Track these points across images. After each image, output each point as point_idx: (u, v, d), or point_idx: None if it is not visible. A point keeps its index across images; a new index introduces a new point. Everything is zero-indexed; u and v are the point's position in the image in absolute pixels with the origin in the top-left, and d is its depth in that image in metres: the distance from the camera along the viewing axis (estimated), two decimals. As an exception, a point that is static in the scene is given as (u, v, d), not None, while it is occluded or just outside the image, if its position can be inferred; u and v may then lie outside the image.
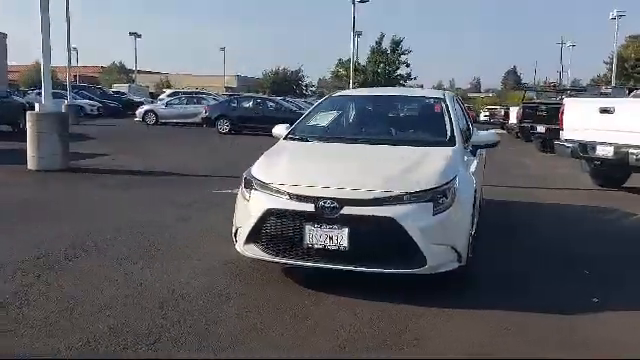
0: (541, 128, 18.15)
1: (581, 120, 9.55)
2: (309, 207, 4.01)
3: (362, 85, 39.37)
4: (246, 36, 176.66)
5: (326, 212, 3.96)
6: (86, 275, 4.44)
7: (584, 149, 9.35)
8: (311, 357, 3.14)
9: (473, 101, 70.94)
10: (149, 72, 72.41)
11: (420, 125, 5.77)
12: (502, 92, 77.30)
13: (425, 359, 3.08)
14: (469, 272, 4.36)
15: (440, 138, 5.13)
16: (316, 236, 3.97)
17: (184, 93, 34.59)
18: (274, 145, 5.30)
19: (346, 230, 3.92)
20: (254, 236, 4.21)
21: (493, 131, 5.49)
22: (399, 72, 49.91)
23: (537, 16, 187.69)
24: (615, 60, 40.19)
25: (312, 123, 5.81)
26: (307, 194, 4.06)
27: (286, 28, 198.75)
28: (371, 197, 3.99)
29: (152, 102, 36.13)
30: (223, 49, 68.22)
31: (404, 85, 51.23)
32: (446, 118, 5.37)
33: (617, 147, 8.65)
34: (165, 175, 10.17)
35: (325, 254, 4.00)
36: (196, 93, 34.15)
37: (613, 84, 34.05)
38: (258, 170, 4.54)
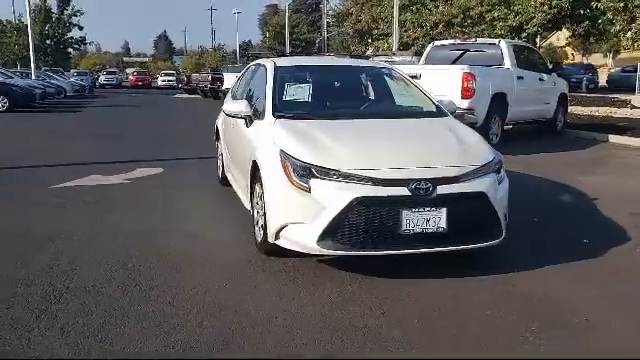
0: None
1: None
2: (403, 191, 3.80)
3: (27, 49, 33.87)
4: None
5: (421, 194, 3.81)
6: None
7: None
8: (311, 357, 3.00)
9: (145, 66, 69.52)
10: None
11: (402, 96, 5.75)
12: (164, 58, 77.54)
13: (425, 359, 3.04)
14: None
15: (431, 109, 5.27)
16: (413, 221, 3.79)
17: None
18: (276, 127, 4.53)
19: (444, 210, 3.83)
20: (333, 230, 3.79)
21: (450, 99, 5.86)
22: (71, 35, 44.99)
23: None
24: (287, 28, 44.38)
25: (288, 99, 5.34)
26: (397, 177, 3.84)
27: None
28: (461, 173, 3.97)
29: None
30: None
31: (80, 49, 46.53)
32: (418, 88, 5.60)
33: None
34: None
35: (423, 238, 3.85)
36: None
37: (288, 50, 38.01)
38: (307, 155, 3.98)
